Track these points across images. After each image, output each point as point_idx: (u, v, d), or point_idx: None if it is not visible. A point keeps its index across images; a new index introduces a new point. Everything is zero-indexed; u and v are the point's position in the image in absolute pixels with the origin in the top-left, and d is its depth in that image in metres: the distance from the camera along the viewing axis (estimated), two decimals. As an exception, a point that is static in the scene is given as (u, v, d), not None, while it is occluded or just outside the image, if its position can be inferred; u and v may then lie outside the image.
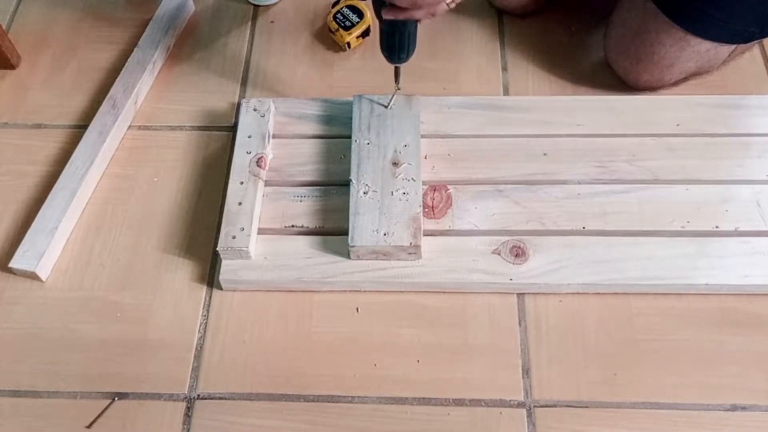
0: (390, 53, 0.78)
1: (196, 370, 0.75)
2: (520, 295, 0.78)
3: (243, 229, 0.78)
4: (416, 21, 0.73)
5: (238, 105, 0.93)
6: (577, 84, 0.94)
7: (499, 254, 0.78)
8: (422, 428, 0.71)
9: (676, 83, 0.91)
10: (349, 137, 0.84)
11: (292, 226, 0.81)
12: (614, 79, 0.93)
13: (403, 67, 0.80)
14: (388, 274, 0.77)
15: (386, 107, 0.85)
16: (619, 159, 0.84)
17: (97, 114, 0.90)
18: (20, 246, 0.80)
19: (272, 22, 1.03)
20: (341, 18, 0.97)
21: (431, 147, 0.85)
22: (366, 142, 0.83)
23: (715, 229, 0.79)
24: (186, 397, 0.73)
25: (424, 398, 0.72)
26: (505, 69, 0.96)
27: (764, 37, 0.92)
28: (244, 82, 0.96)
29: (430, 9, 0.69)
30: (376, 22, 0.76)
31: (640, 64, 0.88)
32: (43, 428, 0.72)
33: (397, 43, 0.76)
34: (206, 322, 0.78)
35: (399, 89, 0.83)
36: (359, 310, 0.77)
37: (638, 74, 0.89)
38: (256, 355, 0.75)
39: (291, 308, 0.78)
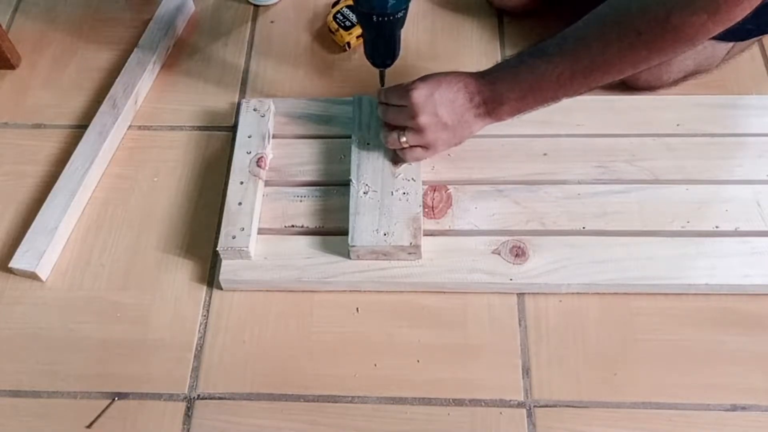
0: (374, 58, 0.79)
1: (196, 370, 0.75)
2: (520, 295, 0.78)
3: (243, 229, 0.78)
4: (400, 27, 0.74)
5: (238, 105, 0.93)
6: (577, 84, 0.94)
7: (499, 254, 0.78)
8: (422, 428, 0.71)
9: (675, 82, 0.91)
10: (349, 137, 0.84)
11: (292, 226, 0.81)
12: (614, 78, 0.93)
13: (404, 67, 0.80)
14: (388, 274, 0.77)
15: None
16: (619, 159, 0.84)
17: (97, 114, 0.90)
18: (20, 246, 0.80)
19: (272, 22, 1.03)
20: (341, 18, 0.97)
21: (431, 147, 0.85)
22: (366, 142, 0.83)
23: (715, 229, 0.78)
24: (186, 397, 0.73)
25: (424, 398, 0.72)
26: (505, 69, 0.96)
27: (761, 34, 0.92)
28: (244, 82, 0.96)
29: None
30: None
31: None
32: (43, 428, 0.72)
33: (381, 48, 0.78)
34: (206, 322, 0.78)
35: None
36: (359, 310, 0.77)
37: (637, 73, 0.89)
38: (256, 355, 0.75)
39: (291, 308, 0.78)
